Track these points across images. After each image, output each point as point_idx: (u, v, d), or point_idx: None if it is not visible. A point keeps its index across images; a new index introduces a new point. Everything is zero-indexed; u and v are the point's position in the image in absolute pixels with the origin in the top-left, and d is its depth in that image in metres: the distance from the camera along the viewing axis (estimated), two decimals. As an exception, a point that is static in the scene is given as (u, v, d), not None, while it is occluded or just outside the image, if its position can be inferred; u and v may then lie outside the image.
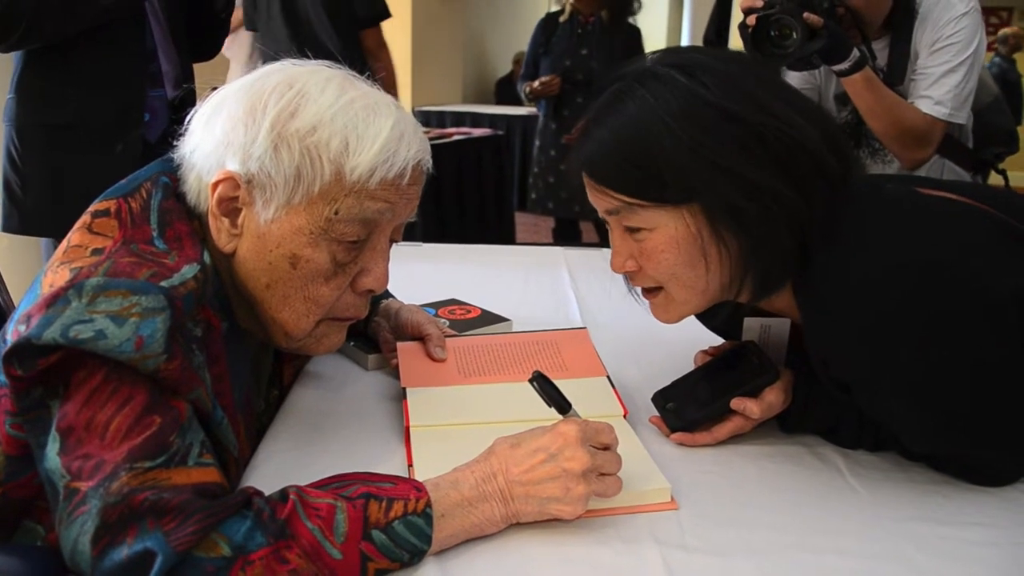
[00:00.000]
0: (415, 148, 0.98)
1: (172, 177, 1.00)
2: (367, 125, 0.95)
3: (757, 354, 1.14)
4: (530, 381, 0.98)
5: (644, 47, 4.04)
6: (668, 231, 1.00)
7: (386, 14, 3.22)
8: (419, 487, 0.86)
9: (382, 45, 3.14)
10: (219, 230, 0.98)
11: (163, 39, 2.04)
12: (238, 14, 3.22)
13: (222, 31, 2.29)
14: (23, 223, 2.01)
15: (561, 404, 0.96)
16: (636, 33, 4.07)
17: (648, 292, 1.09)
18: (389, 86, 3.13)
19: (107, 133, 1.92)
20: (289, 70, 0.98)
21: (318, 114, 0.94)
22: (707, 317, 1.25)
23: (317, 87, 0.96)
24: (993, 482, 1.02)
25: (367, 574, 0.81)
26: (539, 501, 0.89)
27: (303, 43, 2.84)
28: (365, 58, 3.10)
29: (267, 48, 2.95)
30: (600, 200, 1.04)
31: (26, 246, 2.27)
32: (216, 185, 0.95)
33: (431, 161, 1.02)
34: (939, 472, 1.04)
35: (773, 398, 1.09)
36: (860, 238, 0.97)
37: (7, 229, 2.04)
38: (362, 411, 1.21)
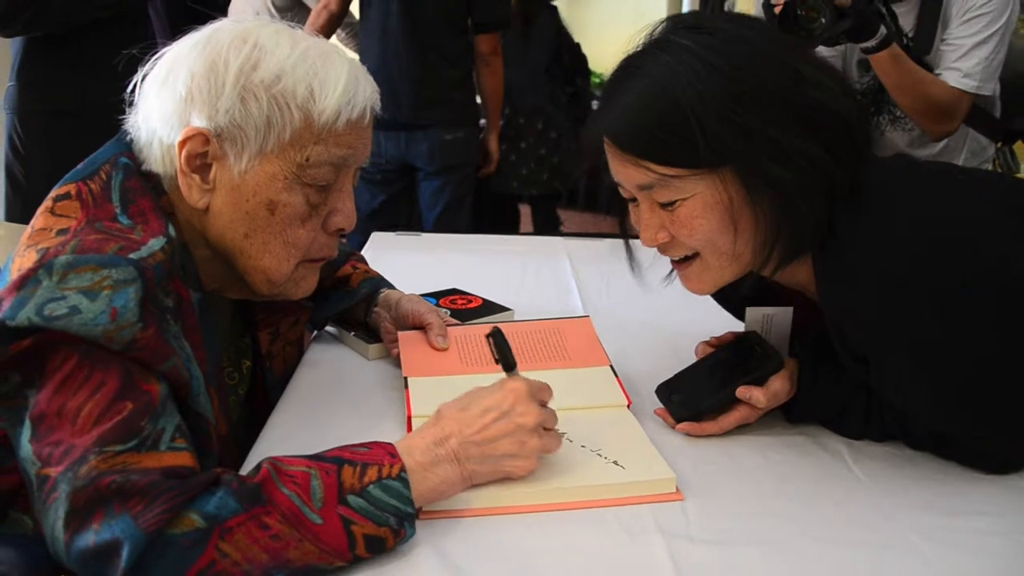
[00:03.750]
0: (370, 90, 1.03)
1: (131, 156, 1.01)
2: (327, 72, 0.98)
3: (760, 344, 1.13)
4: (487, 336, 1.00)
5: (558, 27, 3.99)
6: (702, 198, 0.98)
7: (506, 22, 3.14)
8: (392, 452, 0.88)
9: (495, 52, 3.07)
10: (190, 187, 0.99)
11: (161, 27, 2.03)
12: None
13: (221, 16, 2.28)
14: (26, 211, 2.01)
15: (509, 363, 0.99)
16: (549, 14, 4.01)
17: (680, 263, 1.07)
18: (497, 92, 3.13)
19: (111, 120, 1.92)
20: (237, 26, 1.01)
21: (279, 64, 0.96)
22: (727, 297, 1.24)
23: (271, 40, 0.98)
24: (998, 468, 1.02)
25: (355, 539, 0.81)
26: (494, 459, 0.91)
27: (421, 43, 2.80)
28: (475, 62, 3.04)
29: (371, 44, 2.87)
30: (631, 173, 1.00)
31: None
32: (184, 143, 0.96)
33: (379, 103, 1.06)
34: (945, 460, 1.04)
35: (779, 386, 1.08)
36: (888, 204, 0.97)
37: (9, 217, 2.03)
38: (364, 400, 1.20)
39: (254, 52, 0.97)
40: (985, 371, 0.94)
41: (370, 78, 1.04)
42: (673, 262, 1.08)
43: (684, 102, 0.94)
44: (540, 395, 0.96)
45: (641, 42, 1.02)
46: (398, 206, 3.13)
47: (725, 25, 0.99)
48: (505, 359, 0.99)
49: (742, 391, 1.08)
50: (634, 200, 1.05)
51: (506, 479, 0.94)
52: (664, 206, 1.01)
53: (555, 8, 4.06)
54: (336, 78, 0.98)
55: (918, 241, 0.93)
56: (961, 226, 0.95)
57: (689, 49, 0.96)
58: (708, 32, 0.98)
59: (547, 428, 0.95)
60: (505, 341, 1.00)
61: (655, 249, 1.07)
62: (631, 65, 1.00)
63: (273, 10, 3.26)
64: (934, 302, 0.92)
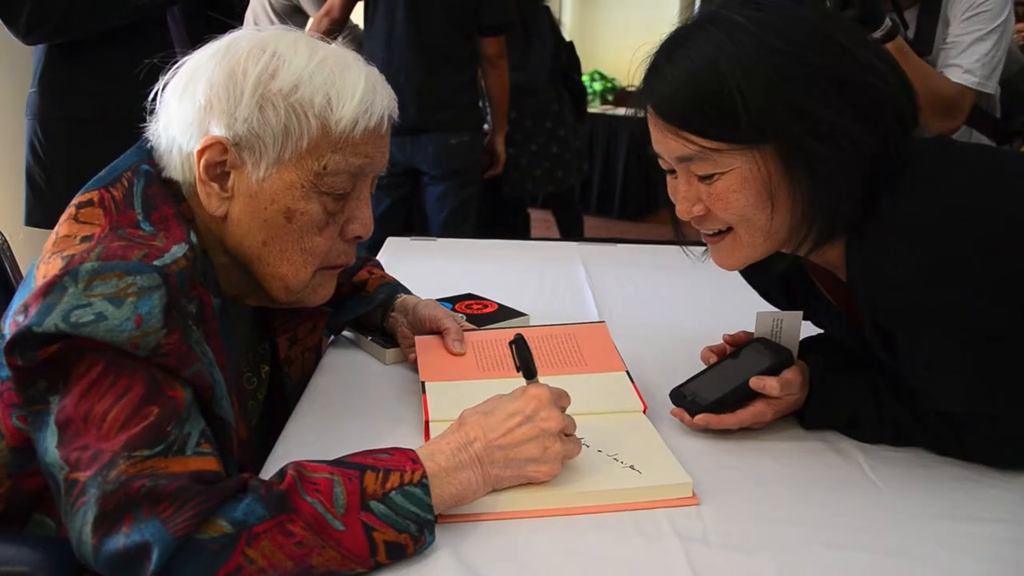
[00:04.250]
0: (387, 98, 1.04)
1: (152, 163, 1.02)
2: (344, 80, 0.99)
3: (768, 345, 1.14)
4: (510, 343, 1.01)
5: (551, 24, 4.00)
6: (740, 172, 0.99)
7: (512, 25, 3.11)
8: (415, 458, 0.88)
9: (502, 54, 3.06)
10: (209, 195, 1.00)
11: (179, 36, 2.05)
12: None
13: (238, 24, 2.30)
14: (46, 216, 2.03)
15: (530, 370, 1.00)
16: (536, 15, 3.99)
17: (713, 236, 1.07)
18: (503, 93, 3.13)
19: (131, 127, 1.95)
20: (256, 35, 1.02)
21: (297, 73, 0.98)
22: (756, 277, 1.25)
23: (289, 48, 0.99)
24: (1010, 460, 1.03)
25: (376, 545, 0.82)
26: (518, 464, 0.92)
27: (427, 48, 2.82)
28: (481, 65, 3.05)
29: (376, 50, 2.91)
30: (671, 144, 1.01)
31: (43, 240, 2.29)
32: (203, 152, 0.98)
33: (398, 111, 1.07)
34: (961, 466, 1.04)
35: (791, 376, 1.09)
36: (935, 181, 0.98)
37: (30, 222, 2.06)
38: (381, 405, 1.21)
39: (272, 61, 0.98)
40: (1015, 349, 0.95)
41: (388, 87, 1.05)
42: (706, 236, 1.08)
43: (729, 76, 0.95)
44: (560, 401, 0.97)
45: (692, 15, 1.03)
46: (404, 211, 3.13)
47: (779, 2, 1.00)
48: (527, 366, 1.00)
49: (755, 381, 1.08)
50: (673, 172, 1.06)
51: (526, 484, 0.94)
52: (702, 179, 1.01)
53: (548, 8, 4.08)
54: (353, 87, 0.99)
55: (956, 220, 0.93)
56: (1012, 202, 0.95)
57: (740, 24, 0.97)
58: (761, 8, 0.98)
59: (567, 434, 0.96)
60: (527, 348, 1.01)
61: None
62: (680, 36, 1.01)
63: (271, 14, 3.27)
64: (984, 278, 0.92)
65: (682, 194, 1.04)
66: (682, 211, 1.05)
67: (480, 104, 3.15)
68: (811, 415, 1.12)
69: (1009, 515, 0.95)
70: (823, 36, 0.97)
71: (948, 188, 0.97)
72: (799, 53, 0.95)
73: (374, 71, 1.04)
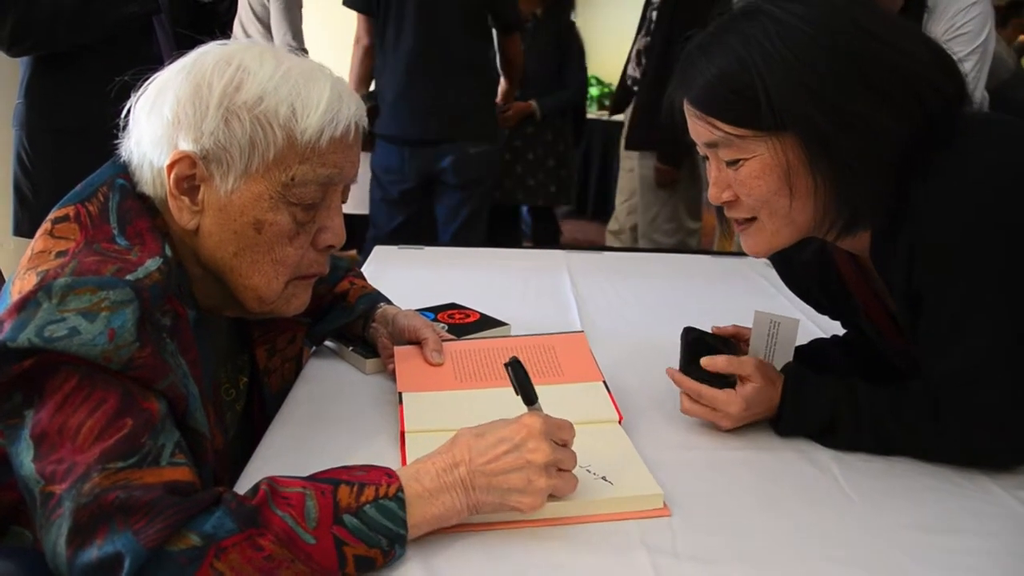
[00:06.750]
0: (354, 107, 1.03)
1: (127, 178, 1.03)
2: (308, 90, 0.99)
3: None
4: (505, 365, 0.99)
5: (580, 41, 4.09)
6: (762, 159, 1.02)
7: (523, 22, 3.21)
8: (390, 473, 0.88)
9: (520, 53, 3.15)
10: (180, 209, 1.01)
11: (167, 45, 2.06)
12: None
13: (224, 34, 2.31)
14: (33, 227, 2.03)
15: (529, 395, 0.98)
16: (569, 29, 4.06)
17: (741, 224, 1.10)
18: (520, 66, 3.21)
19: (117, 139, 1.96)
20: (223, 48, 1.02)
21: (261, 85, 0.98)
22: (788, 265, 1.28)
23: (254, 61, 1.00)
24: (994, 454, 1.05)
25: (345, 559, 0.82)
26: (500, 492, 0.90)
27: (438, 55, 2.83)
28: (499, 67, 3.12)
29: (388, 56, 2.91)
30: (700, 130, 1.05)
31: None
32: (172, 166, 0.98)
33: (366, 119, 1.07)
34: (934, 474, 1.05)
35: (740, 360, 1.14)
36: (984, 142, 0.99)
37: (18, 233, 2.06)
38: (359, 415, 1.21)
39: (237, 74, 0.98)
40: None
41: (355, 95, 1.05)
42: (735, 223, 1.11)
43: (751, 64, 0.98)
44: (559, 434, 0.94)
45: (736, 9, 1.05)
46: (417, 226, 3.12)
47: None
48: (524, 392, 0.97)
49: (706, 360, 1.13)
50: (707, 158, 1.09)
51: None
52: (729, 164, 1.04)
53: (568, 27, 4.09)
54: (318, 96, 0.99)
55: (1005, 173, 0.96)
56: None
57: (767, 13, 1.00)
58: (794, 3, 1.00)
59: (562, 468, 0.94)
60: (524, 372, 0.98)
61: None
62: (719, 29, 1.04)
63: (252, 15, 3.28)
64: (1012, 230, 0.95)
65: (713, 180, 1.08)
66: (713, 196, 1.09)
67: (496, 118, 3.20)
68: (785, 421, 1.12)
69: (982, 527, 0.96)
70: (846, 21, 0.99)
71: (997, 146, 0.99)
72: (820, 40, 0.97)
73: (341, 80, 1.05)
